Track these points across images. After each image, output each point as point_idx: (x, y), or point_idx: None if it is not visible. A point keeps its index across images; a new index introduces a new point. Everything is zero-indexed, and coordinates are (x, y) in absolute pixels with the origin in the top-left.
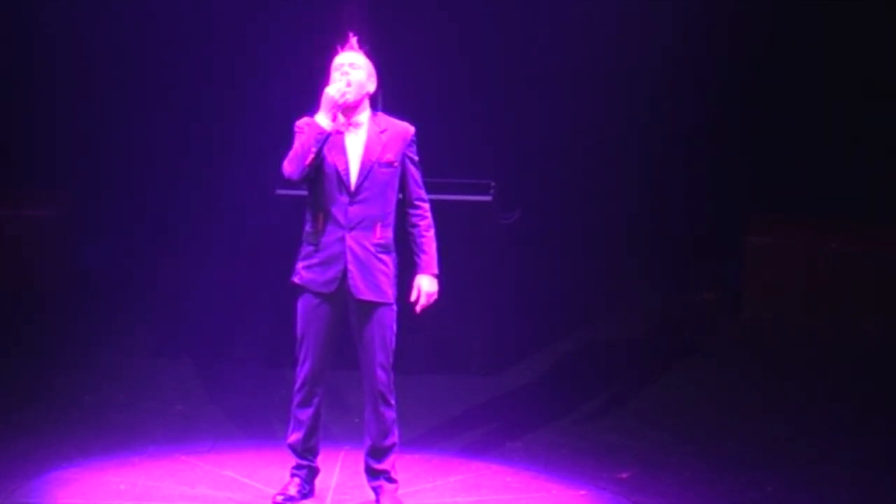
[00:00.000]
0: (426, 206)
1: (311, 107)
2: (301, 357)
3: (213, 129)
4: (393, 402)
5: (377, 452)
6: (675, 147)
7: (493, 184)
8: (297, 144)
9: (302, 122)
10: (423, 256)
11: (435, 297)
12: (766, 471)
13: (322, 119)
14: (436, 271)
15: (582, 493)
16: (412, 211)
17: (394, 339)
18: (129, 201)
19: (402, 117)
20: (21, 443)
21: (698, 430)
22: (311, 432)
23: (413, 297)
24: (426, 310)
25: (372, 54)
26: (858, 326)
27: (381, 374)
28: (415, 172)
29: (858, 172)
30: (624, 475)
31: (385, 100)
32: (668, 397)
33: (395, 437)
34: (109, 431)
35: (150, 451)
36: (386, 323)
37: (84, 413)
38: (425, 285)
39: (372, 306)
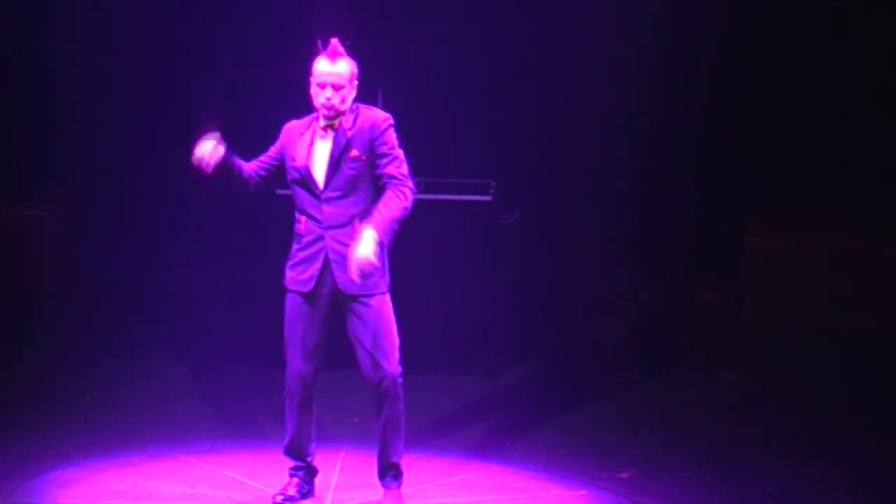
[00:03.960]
0: (400, 181)
1: (310, 108)
2: (287, 359)
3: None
4: (402, 393)
5: (392, 448)
6: (676, 147)
7: (493, 184)
8: None
9: (287, 126)
10: (374, 212)
11: (366, 263)
12: (766, 471)
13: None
14: (374, 230)
15: (582, 493)
16: (384, 184)
17: (394, 327)
18: (130, 202)
19: (402, 117)
20: (21, 443)
21: (698, 430)
22: (306, 434)
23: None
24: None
25: (353, 52)
26: (858, 326)
27: (388, 366)
28: (381, 157)
29: (858, 173)
30: (624, 475)
31: (385, 98)
32: (669, 397)
33: (404, 430)
34: (109, 431)
35: (150, 451)
36: (381, 314)
37: (84, 413)
38: (356, 251)
39: (363, 299)
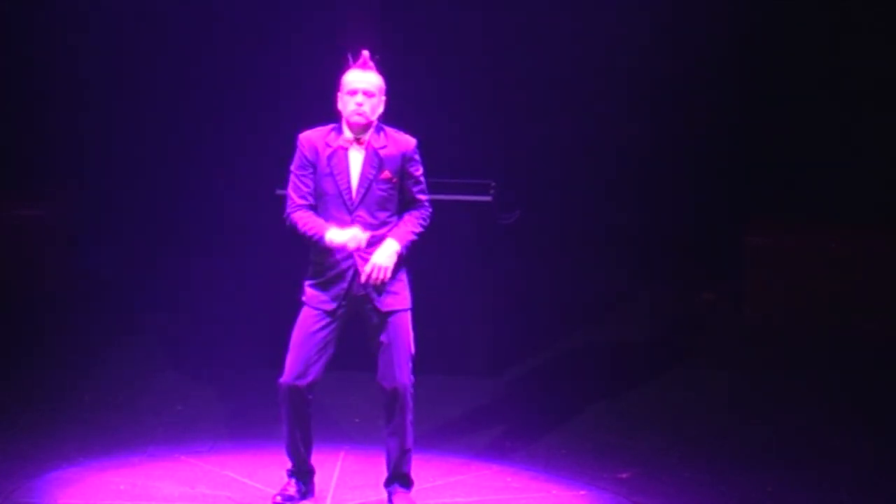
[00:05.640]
0: (425, 206)
1: (311, 110)
2: (287, 367)
3: (215, 131)
4: (412, 404)
5: (400, 457)
6: (676, 147)
7: (493, 184)
8: (308, 227)
9: (304, 137)
10: (399, 226)
11: (384, 272)
12: (766, 471)
13: (331, 239)
14: (399, 245)
15: (582, 493)
16: (409, 207)
17: (412, 341)
18: (131, 202)
19: (403, 117)
20: (21, 443)
21: (698, 430)
22: (303, 437)
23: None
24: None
25: (382, 66)
26: (858, 326)
27: (405, 379)
28: (413, 182)
29: (858, 173)
30: (624, 475)
31: (388, 100)
32: (668, 397)
33: (412, 439)
34: (109, 431)
35: (150, 451)
36: (404, 328)
37: (84, 413)
38: (378, 257)
39: (394, 315)
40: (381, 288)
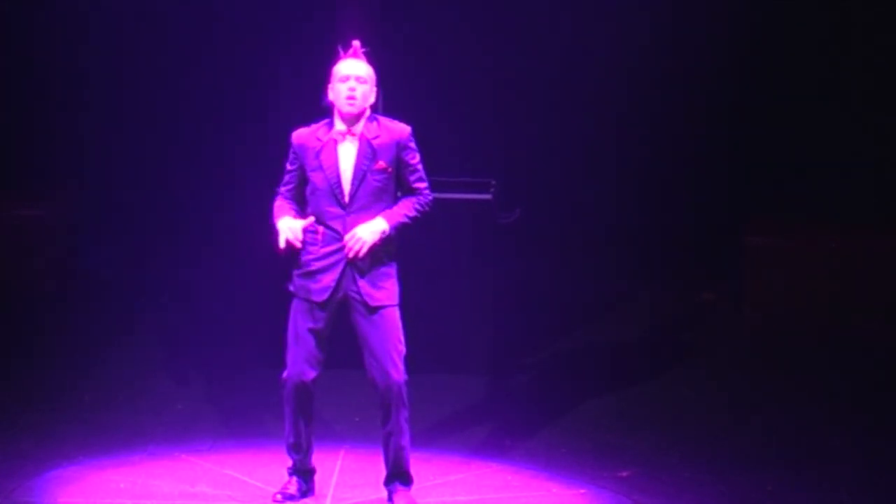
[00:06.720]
0: (424, 193)
1: (311, 109)
2: (289, 362)
3: (215, 131)
4: (407, 400)
5: (398, 456)
6: (676, 147)
7: (493, 182)
8: (272, 214)
9: (295, 134)
10: (393, 207)
11: (362, 245)
12: (766, 471)
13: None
14: (387, 225)
15: (582, 492)
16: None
17: (402, 337)
18: (131, 202)
19: (403, 116)
20: (21, 442)
21: (698, 429)
22: (305, 435)
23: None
24: (357, 257)
25: (373, 58)
26: (858, 326)
27: (396, 374)
28: (410, 171)
29: (858, 173)
30: (624, 474)
31: (387, 98)
32: (668, 397)
33: (409, 437)
34: (109, 431)
35: (150, 451)
36: (393, 324)
37: (84, 413)
38: (361, 230)
39: (382, 310)
40: (362, 266)
